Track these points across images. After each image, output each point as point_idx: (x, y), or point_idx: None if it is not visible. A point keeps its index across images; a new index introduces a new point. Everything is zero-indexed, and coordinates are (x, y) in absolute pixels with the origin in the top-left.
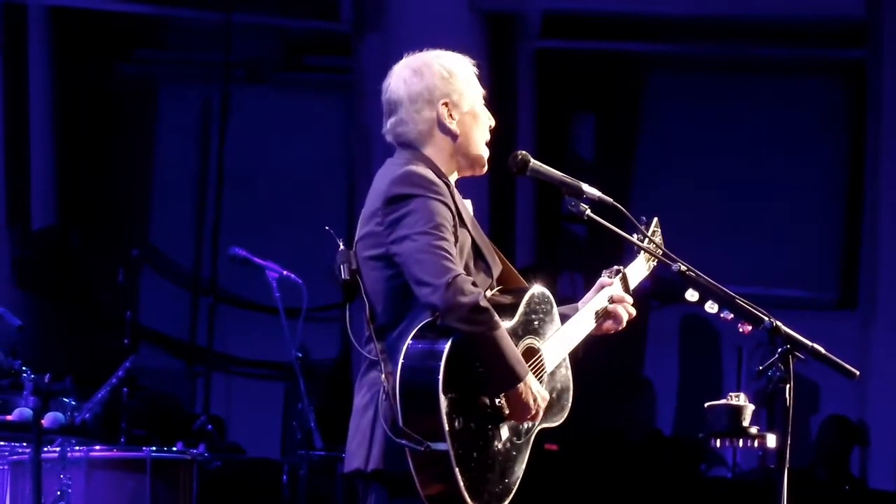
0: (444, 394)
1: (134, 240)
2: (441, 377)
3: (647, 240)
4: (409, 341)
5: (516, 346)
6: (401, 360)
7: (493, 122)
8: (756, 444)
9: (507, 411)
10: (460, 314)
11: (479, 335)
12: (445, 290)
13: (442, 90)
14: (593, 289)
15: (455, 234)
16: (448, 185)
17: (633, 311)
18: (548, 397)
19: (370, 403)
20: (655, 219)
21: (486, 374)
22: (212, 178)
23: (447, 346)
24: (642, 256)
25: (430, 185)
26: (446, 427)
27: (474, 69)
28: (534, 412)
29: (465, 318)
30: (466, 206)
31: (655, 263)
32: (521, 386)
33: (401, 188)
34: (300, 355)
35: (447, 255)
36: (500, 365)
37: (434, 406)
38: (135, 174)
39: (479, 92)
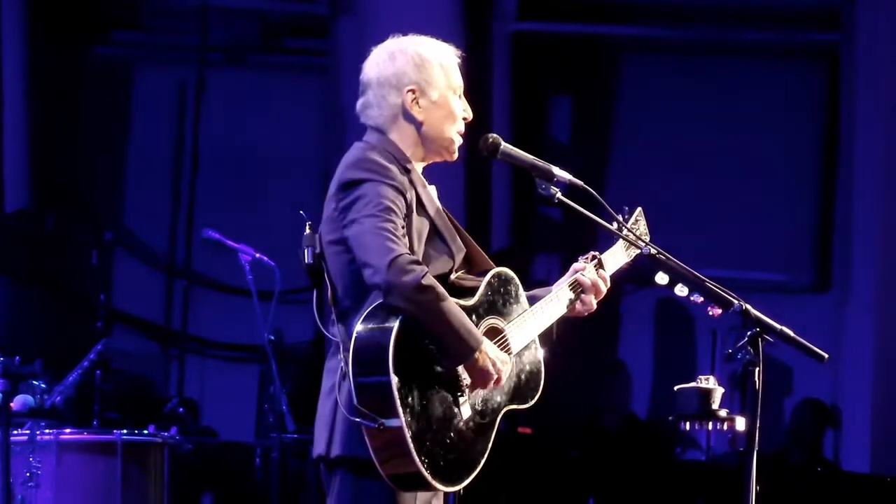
0: (396, 369)
1: (108, 223)
2: (391, 352)
3: (616, 223)
4: (361, 319)
5: (477, 325)
6: (353, 338)
7: (469, 115)
8: (726, 426)
9: (467, 382)
10: (402, 292)
11: (425, 312)
12: (387, 270)
13: (411, 77)
14: (567, 273)
15: (409, 218)
16: (409, 171)
17: (603, 290)
18: (508, 360)
19: (332, 389)
20: (639, 209)
21: (439, 348)
22: (187, 161)
23: (397, 323)
24: (621, 244)
25: (383, 171)
26: (398, 403)
27: (457, 59)
28: (496, 377)
29: (408, 296)
30: (431, 191)
31: (637, 252)
32: (477, 355)
33: (353, 173)
34: (272, 338)
35: (392, 236)
36: (451, 339)
37: (385, 382)
38: (109, 157)
39: (454, 83)
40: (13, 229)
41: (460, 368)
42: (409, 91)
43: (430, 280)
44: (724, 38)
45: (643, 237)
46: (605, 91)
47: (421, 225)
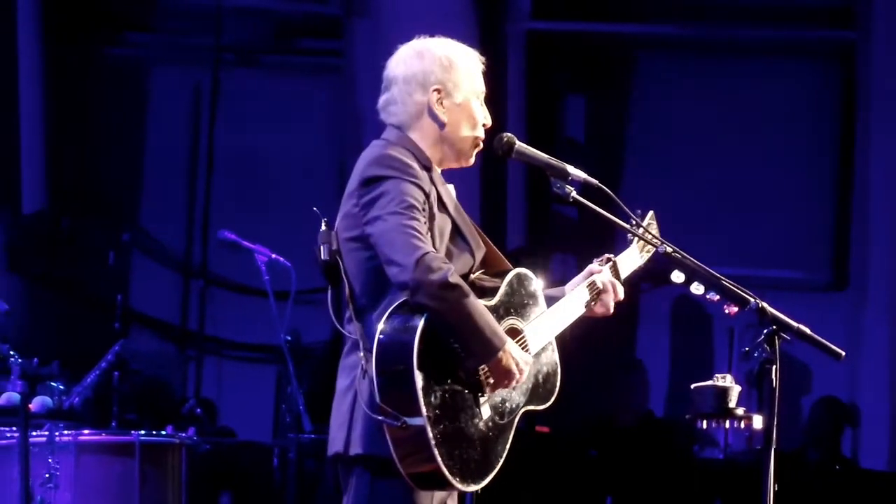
0: (420, 368)
1: (124, 223)
2: (415, 351)
3: (635, 224)
4: (385, 318)
5: None
6: (377, 337)
7: (489, 122)
8: (742, 425)
9: (489, 381)
10: (429, 291)
11: (451, 311)
12: (414, 268)
13: (438, 77)
14: (581, 274)
15: (432, 216)
16: (429, 170)
17: (620, 295)
18: (531, 361)
19: (350, 387)
20: (651, 212)
21: (463, 347)
22: (202, 162)
23: (422, 321)
24: (635, 246)
25: (405, 168)
26: (422, 401)
27: (482, 66)
28: (517, 377)
29: (435, 294)
30: (449, 190)
31: (650, 255)
32: (500, 354)
33: (375, 170)
34: (289, 338)
35: (417, 234)
36: (476, 338)
37: (409, 381)
38: (125, 158)
39: (478, 89)
40: (30, 231)
41: (482, 369)
42: (434, 90)
43: (456, 278)
44: (740, 36)
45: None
46: (620, 89)
47: (443, 223)
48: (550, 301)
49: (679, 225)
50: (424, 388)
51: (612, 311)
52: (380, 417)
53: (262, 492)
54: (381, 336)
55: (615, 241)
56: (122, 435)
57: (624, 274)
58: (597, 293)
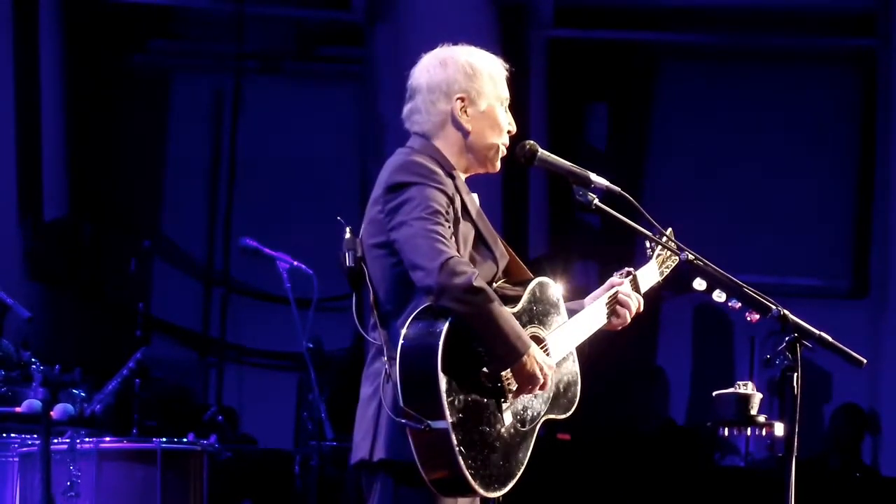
0: (443, 372)
1: (146, 231)
2: (440, 355)
3: (656, 231)
4: (409, 322)
5: None
6: (401, 341)
7: (513, 128)
8: (764, 432)
9: (511, 388)
10: (454, 294)
11: (476, 314)
12: (438, 273)
13: (461, 85)
14: (602, 287)
15: (456, 222)
16: (453, 178)
17: (640, 308)
18: (554, 366)
19: (374, 395)
20: (670, 229)
21: (488, 351)
22: (224, 169)
23: (446, 325)
24: (654, 262)
25: (430, 174)
26: (446, 405)
27: (505, 73)
28: (542, 382)
29: (459, 298)
30: (473, 198)
31: (669, 271)
32: (525, 359)
33: (400, 176)
34: (311, 346)
35: (442, 238)
36: (500, 341)
37: (433, 384)
38: (147, 165)
39: (502, 95)
40: (52, 238)
41: (506, 373)
42: (458, 99)
43: (480, 282)
44: (760, 44)
45: (675, 255)
46: (642, 97)
47: (467, 230)
48: (570, 313)
49: (701, 232)
50: (448, 392)
51: (627, 323)
52: (403, 420)
53: (283, 499)
54: (406, 339)
55: (637, 249)
56: (143, 442)
57: (643, 288)
58: (616, 306)
